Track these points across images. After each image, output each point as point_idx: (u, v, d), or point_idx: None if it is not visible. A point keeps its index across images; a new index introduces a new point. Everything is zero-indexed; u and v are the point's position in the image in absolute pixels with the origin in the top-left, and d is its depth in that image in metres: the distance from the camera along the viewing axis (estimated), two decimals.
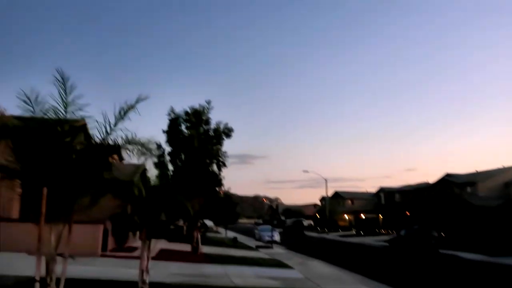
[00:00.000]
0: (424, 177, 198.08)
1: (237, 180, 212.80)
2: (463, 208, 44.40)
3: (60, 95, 6.79)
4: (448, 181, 53.49)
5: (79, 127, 7.64)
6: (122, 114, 7.08)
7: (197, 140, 26.86)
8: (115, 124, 7.10)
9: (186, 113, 30.88)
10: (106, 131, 7.12)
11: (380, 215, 66.17)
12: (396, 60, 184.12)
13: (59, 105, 6.81)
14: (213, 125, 29.74)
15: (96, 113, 7.31)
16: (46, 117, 7.02)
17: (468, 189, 49.29)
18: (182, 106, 34.89)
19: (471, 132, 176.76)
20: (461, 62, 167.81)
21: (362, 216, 70.01)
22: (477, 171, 55.27)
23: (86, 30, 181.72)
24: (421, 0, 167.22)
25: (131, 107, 7.08)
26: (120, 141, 7.49)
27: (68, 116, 7.12)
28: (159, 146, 27.18)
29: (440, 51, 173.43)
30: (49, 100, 6.85)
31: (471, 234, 40.00)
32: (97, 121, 7.06)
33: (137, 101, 7.11)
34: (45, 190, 6.54)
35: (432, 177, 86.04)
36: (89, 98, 7.32)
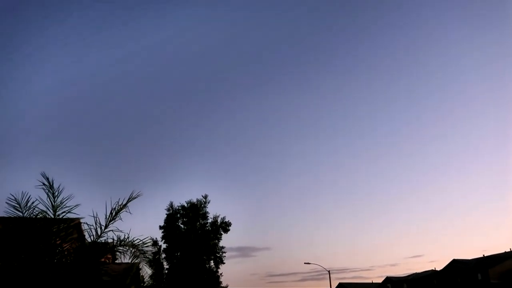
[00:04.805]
0: (431, 264, 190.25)
1: (236, 274, 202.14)
2: None
3: (48, 198, 6.67)
4: (457, 267, 51.44)
5: (72, 226, 7.38)
6: (113, 215, 6.87)
7: (193, 235, 26.21)
8: (106, 226, 6.86)
9: (183, 207, 30.49)
10: (97, 233, 6.85)
11: None
12: (403, 152, 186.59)
13: (48, 209, 6.65)
14: (210, 219, 29.18)
15: (89, 211, 7.04)
16: (35, 217, 6.75)
17: (479, 276, 47.15)
18: (179, 200, 34.82)
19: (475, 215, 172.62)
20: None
21: None
22: (484, 256, 53.31)
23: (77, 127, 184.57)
24: None
25: (123, 207, 6.90)
26: (112, 242, 7.17)
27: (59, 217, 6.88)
28: (154, 243, 26.37)
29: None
30: (39, 204, 6.67)
31: None
32: (87, 224, 6.83)
33: (129, 200, 6.94)
34: None
35: (439, 263, 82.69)
36: (81, 197, 7.16)
